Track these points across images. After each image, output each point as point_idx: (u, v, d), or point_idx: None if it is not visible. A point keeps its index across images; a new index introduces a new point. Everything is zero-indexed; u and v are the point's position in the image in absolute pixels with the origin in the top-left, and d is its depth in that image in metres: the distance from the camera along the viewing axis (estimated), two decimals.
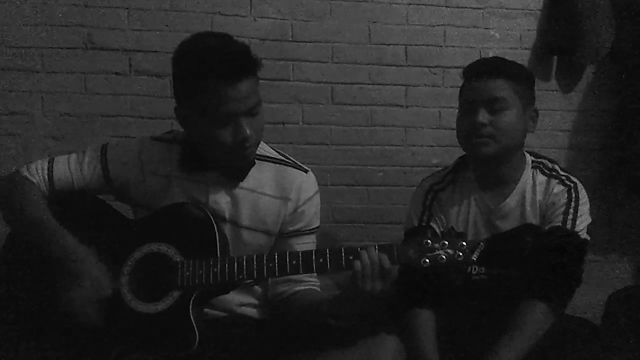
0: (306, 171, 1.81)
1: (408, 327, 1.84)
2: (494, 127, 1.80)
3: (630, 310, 2.17)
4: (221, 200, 1.72)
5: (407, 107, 2.92)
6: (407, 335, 1.79)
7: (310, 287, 1.77)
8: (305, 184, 1.79)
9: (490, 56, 2.78)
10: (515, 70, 1.86)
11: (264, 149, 1.78)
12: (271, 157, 1.79)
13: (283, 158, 1.81)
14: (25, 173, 1.71)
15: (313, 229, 1.81)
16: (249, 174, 1.73)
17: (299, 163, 1.82)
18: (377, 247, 1.51)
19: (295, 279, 1.75)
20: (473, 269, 1.89)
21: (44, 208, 1.64)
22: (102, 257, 1.59)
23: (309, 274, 1.74)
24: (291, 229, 1.77)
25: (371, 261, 1.49)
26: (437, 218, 1.95)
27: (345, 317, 1.63)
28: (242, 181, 1.73)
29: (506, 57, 1.96)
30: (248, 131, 1.57)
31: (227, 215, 1.72)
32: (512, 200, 1.88)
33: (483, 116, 1.80)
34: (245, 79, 1.55)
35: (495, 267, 1.85)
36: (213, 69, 1.52)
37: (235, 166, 1.70)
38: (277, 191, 1.76)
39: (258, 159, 1.75)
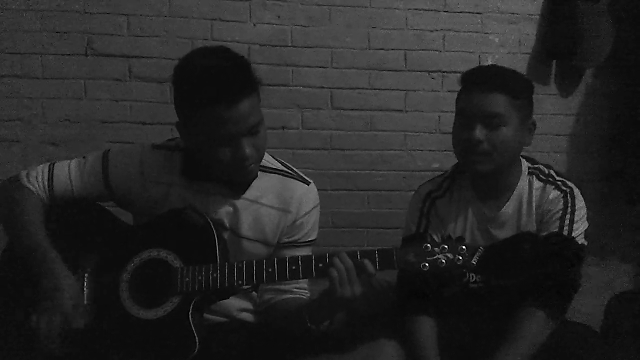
0: (308, 183, 1.80)
1: (409, 333, 1.83)
2: (490, 144, 1.77)
3: (630, 315, 2.17)
4: (222, 210, 1.72)
5: (406, 111, 2.93)
6: (409, 342, 1.79)
7: (296, 296, 1.76)
8: (306, 196, 1.78)
9: (490, 64, 2.77)
10: (514, 84, 1.81)
11: (267, 159, 1.76)
12: (274, 169, 1.78)
13: (285, 169, 1.80)
14: (24, 180, 1.69)
15: (309, 241, 1.80)
16: (251, 185, 1.73)
17: (301, 174, 1.81)
18: (377, 252, 1.52)
19: (283, 289, 1.75)
20: (471, 277, 1.89)
21: (37, 224, 1.62)
22: (88, 284, 1.58)
23: (298, 285, 1.75)
24: (287, 240, 1.77)
25: (345, 266, 1.49)
26: (434, 226, 1.94)
27: (324, 322, 1.63)
28: (243, 193, 1.73)
29: (505, 62, 1.96)
30: (248, 151, 1.56)
31: (227, 225, 1.72)
32: (509, 208, 1.87)
33: (480, 132, 1.77)
34: (245, 99, 1.53)
35: (492, 276, 1.85)
36: (211, 92, 1.50)
37: (236, 180, 1.70)
38: (278, 203, 1.75)
39: (261, 170, 1.74)
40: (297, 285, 1.76)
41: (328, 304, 1.56)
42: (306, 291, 1.78)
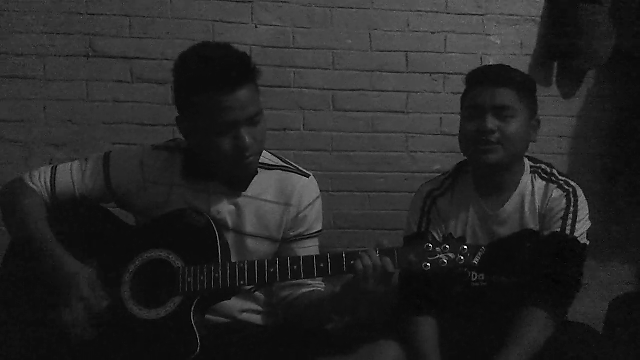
0: (308, 176, 1.81)
1: (410, 333, 1.83)
2: (501, 134, 1.80)
3: (632, 316, 2.17)
4: (224, 210, 1.72)
5: (408, 113, 2.92)
6: (410, 342, 1.79)
7: (314, 289, 1.77)
8: (307, 188, 1.79)
9: (494, 63, 2.77)
10: (521, 80, 1.85)
11: (265, 157, 1.78)
12: (273, 165, 1.79)
13: (284, 164, 1.81)
14: (28, 180, 1.72)
15: (315, 233, 1.81)
16: (252, 182, 1.74)
17: (300, 168, 1.83)
18: (378, 252, 1.52)
19: (299, 283, 1.74)
20: (472, 276, 1.89)
21: (43, 220, 1.64)
22: (99, 274, 1.58)
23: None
24: (293, 234, 1.78)
25: (373, 263, 1.50)
26: (435, 224, 1.95)
27: (347, 313, 1.63)
28: (244, 190, 1.73)
29: (507, 64, 1.96)
30: (248, 140, 1.58)
31: (230, 224, 1.73)
32: (510, 206, 1.88)
33: (492, 122, 1.79)
34: (244, 87, 1.55)
35: (494, 274, 1.85)
36: (211, 78, 1.53)
37: (237, 176, 1.71)
38: (279, 197, 1.76)
39: (260, 167, 1.75)
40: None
41: (351, 297, 1.57)
42: (321, 282, 1.79)
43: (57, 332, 1.57)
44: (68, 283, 1.53)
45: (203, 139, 1.60)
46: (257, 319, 1.82)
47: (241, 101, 1.55)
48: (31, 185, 1.71)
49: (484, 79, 1.84)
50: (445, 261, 1.49)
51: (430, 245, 1.51)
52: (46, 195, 1.71)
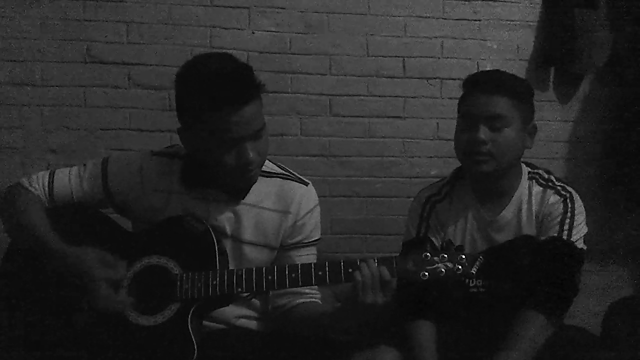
0: (306, 184, 1.81)
1: (408, 338, 1.83)
2: (493, 145, 1.80)
3: (630, 320, 2.17)
4: (223, 217, 1.72)
5: (405, 118, 2.93)
6: (407, 347, 1.79)
7: (311, 299, 1.77)
8: (306, 196, 1.78)
9: (491, 69, 2.77)
10: (517, 87, 1.85)
11: (265, 164, 1.76)
12: (272, 172, 1.78)
13: (283, 172, 1.80)
14: (26, 184, 1.71)
15: (313, 241, 1.81)
16: (251, 189, 1.73)
17: (299, 176, 1.82)
18: (376, 260, 1.52)
19: (296, 291, 1.74)
20: (471, 282, 1.89)
21: (44, 220, 1.64)
22: (107, 258, 1.58)
23: (309, 286, 1.74)
24: (290, 241, 1.77)
25: (371, 273, 1.50)
26: (434, 230, 1.95)
27: (347, 330, 1.63)
28: (243, 198, 1.73)
29: (503, 69, 1.97)
30: (252, 155, 1.57)
31: (228, 231, 1.72)
32: (508, 212, 1.88)
33: (484, 133, 1.80)
34: (250, 104, 1.54)
35: (492, 280, 1.85)
36: (216, 96, 1.51)
37: (238, 186, 1.71)
38: (277, 205, 1.75)
39: (260, 175, 1.74)
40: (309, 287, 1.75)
41: (350, 312, 1.57)
42: (317, 292, 1.79)
43: (56, 333, 1.58)
44: (82, 267, 1.53)
45: (206, 151, 1.59)
46: (253, 324, 1.82)
47: (247, 117, 1.54)
48: (29, 188, 1.70)
49: (479, 86, 1.84)
50: (443, 270, 1.49)
51: (428, 254, 1.51)
52: (44, 199, 1.70)
